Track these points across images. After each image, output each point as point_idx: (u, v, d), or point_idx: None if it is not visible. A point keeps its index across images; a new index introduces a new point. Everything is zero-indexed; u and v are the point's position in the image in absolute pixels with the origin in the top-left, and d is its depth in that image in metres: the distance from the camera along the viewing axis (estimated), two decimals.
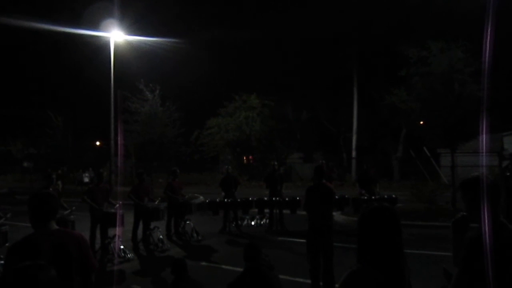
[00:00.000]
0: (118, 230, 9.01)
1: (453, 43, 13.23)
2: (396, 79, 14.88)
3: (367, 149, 28.67)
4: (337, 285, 5.65)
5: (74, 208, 8.84)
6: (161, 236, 9.98)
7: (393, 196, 11.94)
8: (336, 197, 7.26)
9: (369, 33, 25.37)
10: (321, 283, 5.95)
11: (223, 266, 8.05)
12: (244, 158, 33.40)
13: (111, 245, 8.94)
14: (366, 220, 2.09)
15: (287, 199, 11.68)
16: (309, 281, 6.00)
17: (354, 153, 28.98)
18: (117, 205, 9.40)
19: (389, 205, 2.16)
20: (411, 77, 13.74)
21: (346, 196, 11.77)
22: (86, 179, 27.04)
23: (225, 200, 11.74)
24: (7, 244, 6.95)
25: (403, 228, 2.08)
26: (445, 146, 14.76)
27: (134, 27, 21.58)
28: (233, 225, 11.83)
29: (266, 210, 12.09)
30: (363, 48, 27.13)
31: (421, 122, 15.81)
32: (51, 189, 7.96)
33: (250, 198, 11.97)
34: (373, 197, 11.18)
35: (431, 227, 11.24)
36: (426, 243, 9.22)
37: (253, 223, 12.43)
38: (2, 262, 6.79)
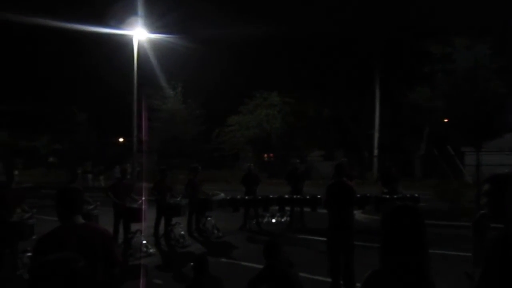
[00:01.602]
0: (140, 225, 9.15)
1: (478, 39, 12.97)
2: (419, 76, 14.67)
3: (389, 147, 28.32)
4: (358, 285, 5.62)
5: (98, 203, 9.02)
6: (182, 232, 10.10)
7: (416, 195, 11.78)
8: (357, 195, 7.21)
9: (391, 29, 25.03)
10: (341, 282, 5.92)
11: (243, 263, 8.09)
12: (265, 155, 33.42)
13: (134, 240, 9.09)
14: (389, 219, 2.05)
15: (307, 196, 11.65)
16: (329, 279, 5.98)
17: (376, 151, 28.67)
18: (140, 201, 9.54)
19: (413, 204, 2.13)
20: (435, 74, 13.53)
21: (368, 194, 11.66)
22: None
23: (246, 197, 11.78)
24: (34, 237, 7.14)
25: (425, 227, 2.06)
26: (470, 144, 14.50)
27: (156, 25, 21.83)
28: (254, 222, 11.86)
29: (287, 208, 12.09)
30: (386, 44, 26.79)
31: (445, 120, 15.57)
32: (76, 183, 8.14)
33: (271, 196, 11.98)
34: (395, 196, 11.04)
35: (454, 227, 11.05)
36: (449, 243, 9.07)
37: (273, 220, 12.45)
38: (29, 254, 6.99)
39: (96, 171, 28.57)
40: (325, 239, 6.13)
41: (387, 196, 11.09)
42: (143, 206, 9.28)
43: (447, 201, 13.53)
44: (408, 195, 11.54)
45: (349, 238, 5.93)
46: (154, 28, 21.43)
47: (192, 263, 4.37)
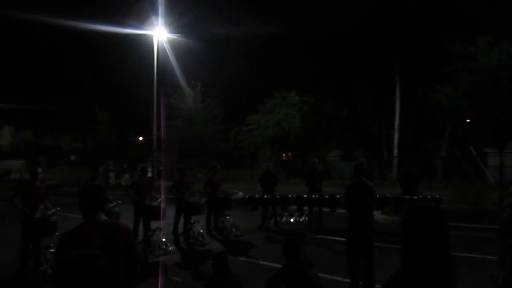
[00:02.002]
0: (160, 223, 9.25)
1: (502, 37, 12.69)
2: (441, 75, 14.44)
3: (409, 148, 27.94)
4: (377, 286, 5.57)
5: (120, 201, 9.14)
6: (201, 230, 10.18)
7: (437, 196, 11.59)
8: (377, 196, 7.13)
9: (413, 27, 24.69)
10: (360, 283, 5.88)
11: (262, 262, 8.11)
12: (283, 155, 33.36)
13: (153, 237, 9.19)
14: (411, 219, 2.01)
15: (326, 196, 11.59)
16: (347, 280, 5.94)
17: (395, 152, 28.33)
18: (160, 199, 9.64)
19: (436, 204, 2.08)
20: (457, 73, 13.30)
21: (387, 195, 11.53)
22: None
23: (264, 196, 11.79)
24: (56, 233, 7.28)
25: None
26: (493, 145, 14.23)
27: (175, 24, 22.02)
28: (272, 221, 11.87)
29: (305, 208, 12.06)
30: (407, 43, 26.43)
31: (467, 120, 15.29)
32: (97, 181, 8.27)
33: (289, 195, 11.95)
34: (415, 197, 10.88)
35: (476, 229, 10.86)
36: (470, 246, 8.92)
37: (292, 220, 12.43)
38: (52, 250, 7.14)
39: (119, 170, 28.95)
40: (344, 239, 6.09)
41: (407, 197, 10.94)
42: (162, 204, 9.38)
43: (469, 203, 13.32)
44: (429, 196, 11.36)
45: (369, 239, 5.88)
46: (173, 28, 21.62)
47: (212, 261, 4.40)
